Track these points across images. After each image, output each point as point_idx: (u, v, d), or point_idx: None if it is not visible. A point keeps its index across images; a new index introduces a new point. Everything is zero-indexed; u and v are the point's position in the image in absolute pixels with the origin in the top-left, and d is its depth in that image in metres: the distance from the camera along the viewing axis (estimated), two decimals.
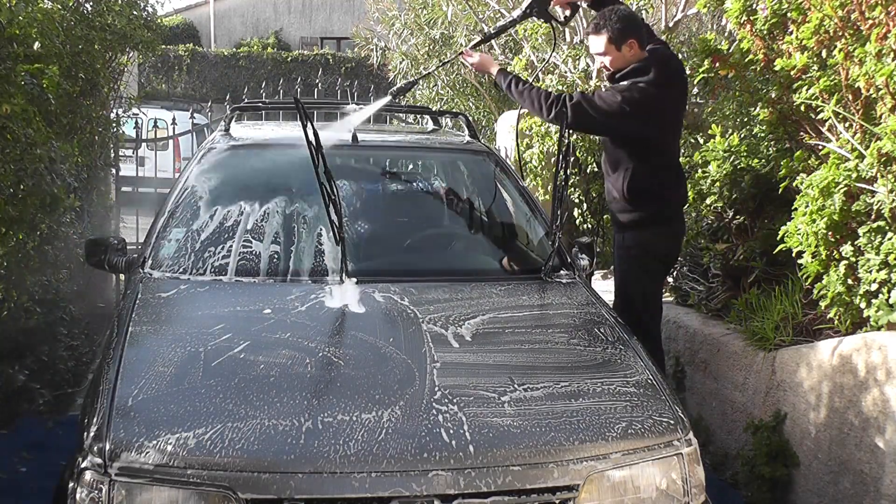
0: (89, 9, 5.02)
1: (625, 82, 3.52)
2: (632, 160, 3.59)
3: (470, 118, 4.15)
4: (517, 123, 4.47)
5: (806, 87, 3.34)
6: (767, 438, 3.36)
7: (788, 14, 3.41)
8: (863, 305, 3.01)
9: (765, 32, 3.57)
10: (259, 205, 3.56)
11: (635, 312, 3.71)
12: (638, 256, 3.67)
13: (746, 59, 3.73)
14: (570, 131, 3.36)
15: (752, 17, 3.59)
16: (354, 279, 2.82)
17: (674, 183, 3.69)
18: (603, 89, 3.97)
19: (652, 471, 2.15)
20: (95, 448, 2.00)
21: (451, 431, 2.05)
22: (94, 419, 2.10)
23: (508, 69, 4.38)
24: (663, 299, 3.99)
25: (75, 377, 4.68)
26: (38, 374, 4.26)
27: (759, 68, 3.70)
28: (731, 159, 4.20)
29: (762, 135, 4.17)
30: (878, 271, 2.92)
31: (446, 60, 5.59)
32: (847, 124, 3.26)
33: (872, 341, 2.91)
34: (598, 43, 3.55)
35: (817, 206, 3.11)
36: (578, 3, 4.06)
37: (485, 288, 2.95)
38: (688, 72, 4.74)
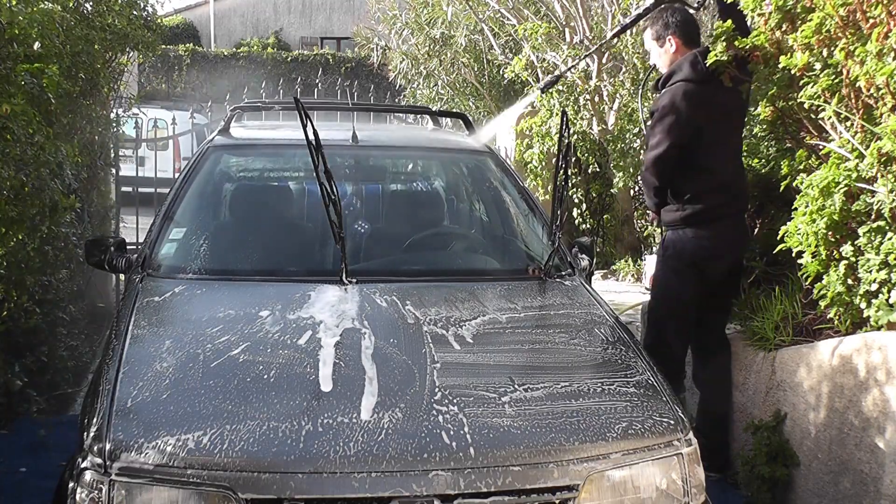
0: (89, 9, 5.01)
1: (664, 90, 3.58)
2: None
3: (470, 118, 4.15)
4: (517, 123, 4.47)
5: (808, 86, 3.33)
6: (767, 438, 3.36)
7: (792, 11, 3.39)
8: (863, 305, 3.01)
9: (772, 28, 3.54)
10: (258, 205, 3.56)
11: (660, 318, 3.64)
12: (671, 257, 3.63)
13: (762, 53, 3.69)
14: (570, 132, 3.36)
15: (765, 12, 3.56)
16: (354, 280, 2.82)
17: (713, 186, 3.55)
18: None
19: (652, 471, 2.15)
20: (95, 448, 2.00)
21: (452, 432, 2.04)
22: (94, 419, 2.10)
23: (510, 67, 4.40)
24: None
25: (75, 377, 4.68)
26: (38, 374, 4.26)
27: (771, 63, 3.66)
28: None
29: (762, 135, 4.16)
30: (878, 271, 2.92)
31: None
32: (848, 124, 3.26)
33: (872, 341, 2.91)
34: (646, 38, 3.77)
35: (817, 206, 3.11)
36: None
37: (485, 288, 2.95)
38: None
